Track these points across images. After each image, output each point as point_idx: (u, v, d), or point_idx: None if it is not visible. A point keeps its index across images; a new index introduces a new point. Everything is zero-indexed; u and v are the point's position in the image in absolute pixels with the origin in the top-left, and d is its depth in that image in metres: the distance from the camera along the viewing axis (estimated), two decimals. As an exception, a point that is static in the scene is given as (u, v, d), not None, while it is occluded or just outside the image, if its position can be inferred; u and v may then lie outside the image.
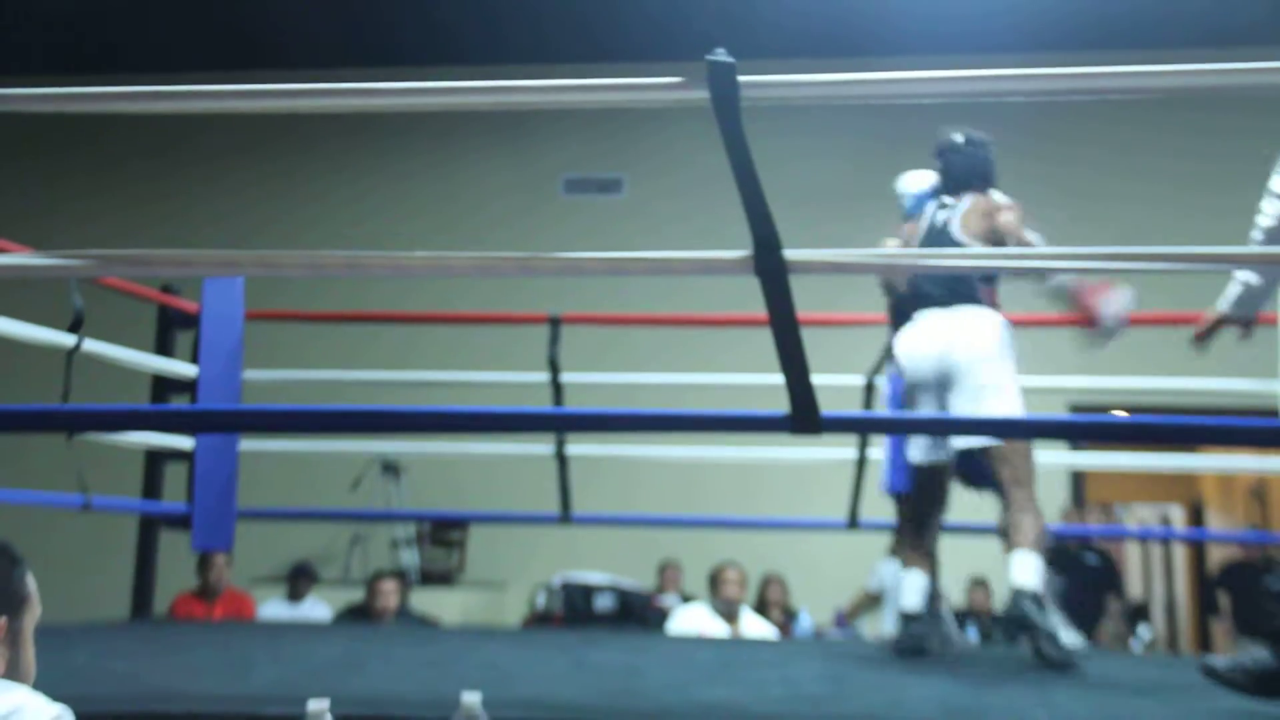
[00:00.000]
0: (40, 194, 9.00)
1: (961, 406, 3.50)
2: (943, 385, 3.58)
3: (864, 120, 8.44)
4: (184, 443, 4.75)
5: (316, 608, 6.76)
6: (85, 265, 2.39)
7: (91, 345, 3.87)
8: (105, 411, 2.91)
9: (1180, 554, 10.96)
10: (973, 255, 2.73)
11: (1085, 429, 3.79)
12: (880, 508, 5.22)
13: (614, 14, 8.11)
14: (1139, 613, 8.87)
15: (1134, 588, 11.26)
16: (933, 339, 3.65)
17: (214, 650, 3.67)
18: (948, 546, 7.36)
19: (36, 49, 8.69)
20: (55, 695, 1.57)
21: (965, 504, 7.17)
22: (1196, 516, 10.86)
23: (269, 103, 2.48)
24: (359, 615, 6.33)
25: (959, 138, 4.03)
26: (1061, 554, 7.14)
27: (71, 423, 3.00)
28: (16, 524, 5.90)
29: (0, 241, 3.51)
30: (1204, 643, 9.99)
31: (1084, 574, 7.10)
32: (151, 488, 4.90)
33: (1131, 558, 11.65)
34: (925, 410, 3.62)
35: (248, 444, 4.95)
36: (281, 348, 6.21)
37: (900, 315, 3.91)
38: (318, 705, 1.67)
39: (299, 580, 6.84)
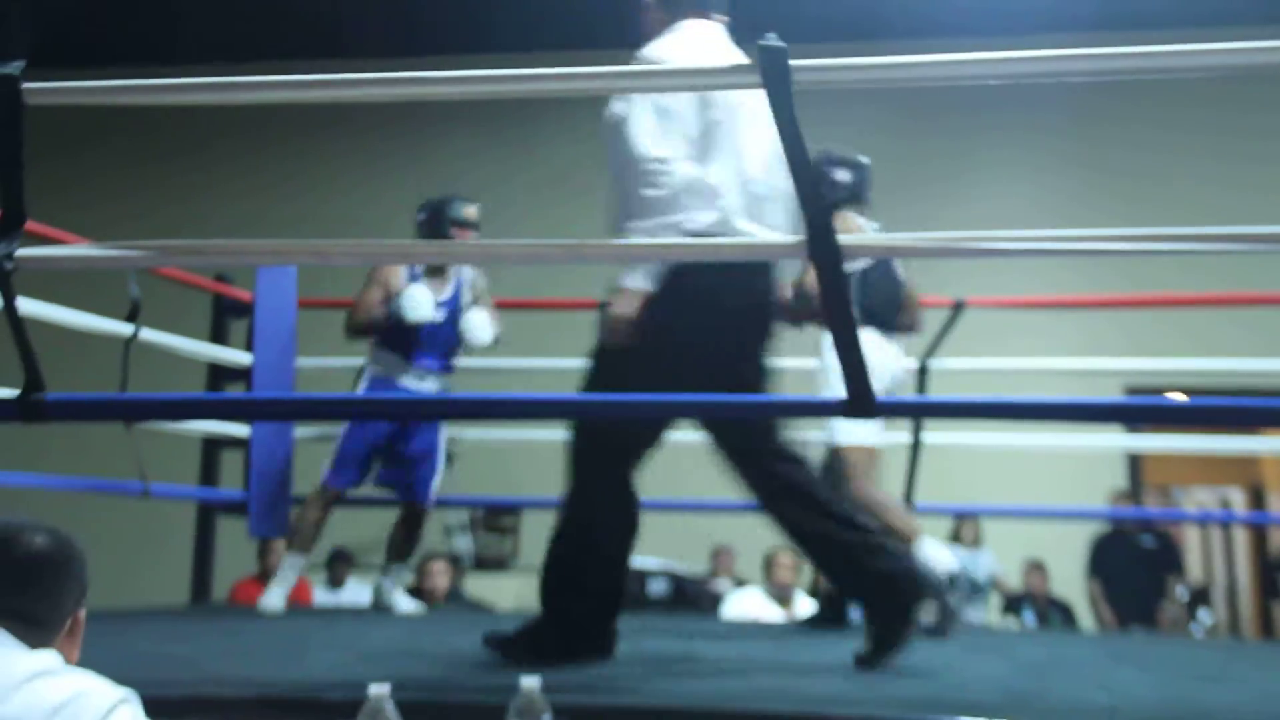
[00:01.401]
0: (84, 187, 9.07)
1: None
2: None
3: (881, 110, 8.37)
4: (240, 430, 4.80)
5: (360, 593, 6.82)
6: (144, 256, 2.41)
7: (148, 334, 3.92)
8: (163, 400, 2.94)
9: (1241, 537, 10.81)
10: (1016, 238, 2.66)
11: (1143, 412, 3.73)
12: (936, 491, 5.19)
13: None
14: (1199, 597, 8.75)
15: (1194, 572, 11.13)
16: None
17: (273, 635, 3.71)
18: (1003, 530, 7.34)
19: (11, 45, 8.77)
20: (118, 680, 1.59)
21: (1020, 487, 7.14)
22: (1257, 499, 10.70)
23: (308, 94, 2.50)
24: (411, 598, 6.38)
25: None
26: (1117, 538, 7.07)
27: (131, 411, 3.03)
28: (77, 511, 5.99)
29: (60, 233, 3.55)
30: (1266, 627, 9.87)
31: (1140, 557, 7.02)
32: (209, 475, 4.96)
33: (1191, 541, 11.50)
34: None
35: (302, 431, 4.99)
36: (332, 335, 6.26)
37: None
38: (379, 690, 1.68)
39: (336, 566, 6.90)
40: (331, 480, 4.48)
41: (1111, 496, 7.14)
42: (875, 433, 3.92)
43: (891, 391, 3.97)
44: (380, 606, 4.67)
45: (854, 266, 3.77)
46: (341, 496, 4.56)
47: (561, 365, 5.24)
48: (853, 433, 3.86)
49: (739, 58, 2.80)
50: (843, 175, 4.11)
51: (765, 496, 2.92)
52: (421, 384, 4.50)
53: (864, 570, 2.77)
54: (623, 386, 2.70)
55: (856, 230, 3.95)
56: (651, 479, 4.72)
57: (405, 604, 4.67)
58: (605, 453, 2.91)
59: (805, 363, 4.46)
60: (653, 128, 2.68)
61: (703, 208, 2.72)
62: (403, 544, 4.67)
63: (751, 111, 2.76)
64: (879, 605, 2.78)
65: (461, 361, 5.70)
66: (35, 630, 1.60)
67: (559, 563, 2.91)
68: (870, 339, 3.93)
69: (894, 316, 4.10)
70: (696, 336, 2.76)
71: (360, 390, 4.51)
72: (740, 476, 2.96)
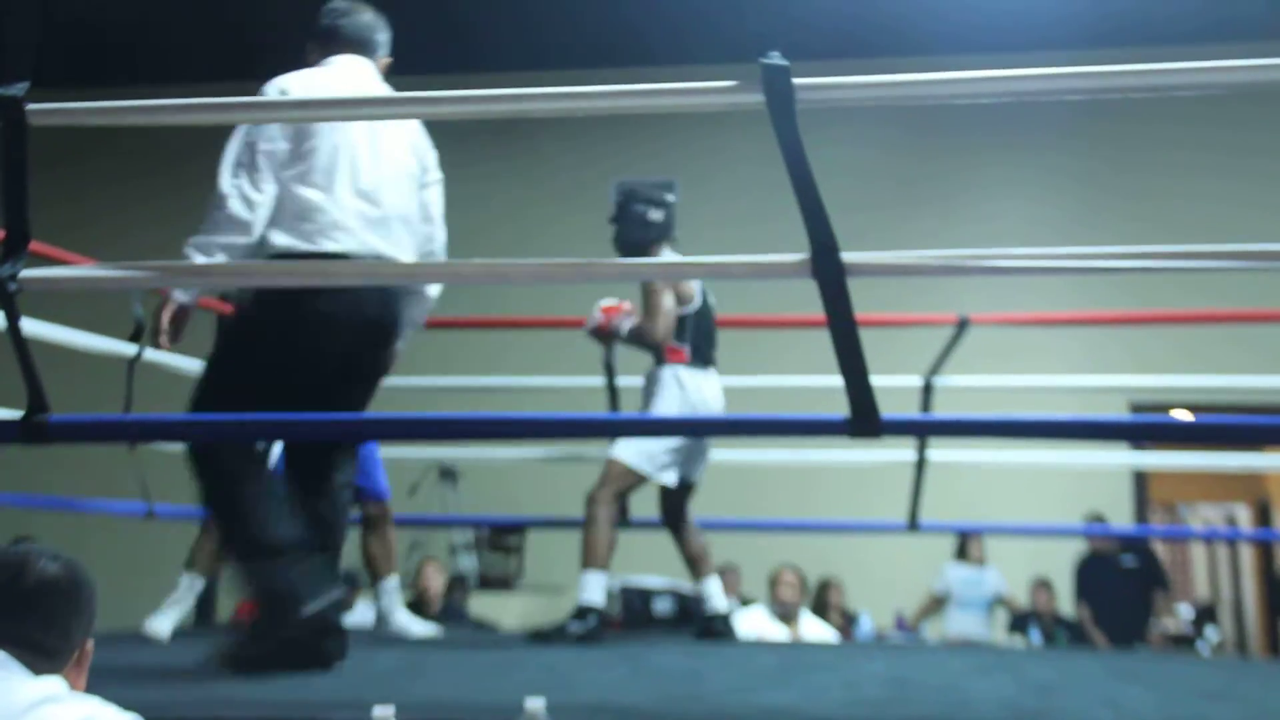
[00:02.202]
0: (85, 203, 9.08)
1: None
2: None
3: (881, 129, 8.38)
4: (245, 450, 4.79)
5: (369, 614, 6.81)
6: (149, 277, 2.42)
7: (152, 354, 3.92)
8: (168, 422, 2.94)
9: (1247, 554, 10.80)
10: (1021, 255, 2.66)
11: (1149, 430, 3.73)
12: (941, 510, 5.18)
13: (630, 18, 8.11)
14: (1206, 614, 8.72)
15: (1200, 589, 11.10)
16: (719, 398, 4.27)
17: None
18: (1009, 547, 7.33)
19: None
20: (123, 701, 1.58)
21: (1027, 506, 7.13)
22: (1263, 516, 10.69)
23: (311, 114, 2.51)
24: (416, 617, 6.38)
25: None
26: (1098, 560, 7.05)
27: (135, 433, 3.03)
28: (81, 532, 5.99)
29: (63, 253, 3.56)
30: (1273, 644, 9.84)
31: (1122, 577, 7.00)
32: (214, 495, 4.94)
33: (1197, 559, 11.48)
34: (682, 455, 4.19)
35: (307, 451, 4.98)
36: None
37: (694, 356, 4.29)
38: (383, 711, 1.68)
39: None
40: None
41: (1086, 518, 7.13)
42: (646, 459, 4.10)
43: None
44: (387, 632, 4.43)
45: (689, 309, 4.20)
46: None
47: (565, 384, 5.25)
48: (625, 449, 4.10)
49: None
50: (655, 215, 4.28)
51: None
52: None
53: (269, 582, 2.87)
54: (240, 393, 2.87)
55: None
56: (656, 498, 4.72)
57: (416, 626, 4.47)
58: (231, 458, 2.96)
59: (808, 380, 4.47)
60: (238, 157, 2.88)
61: (293, 226, 2.88)
62: (385, 555, 4.46)
63: (371, 137, 2.98)
64: (265, 618, 2.88)
65: (461, 381, 5.71)
66: (43, 659, 1.59)
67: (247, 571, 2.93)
68: (698, 375, 4.23)
69: (712, 350, 4.35)
70: (297, 344, 2.90)
71: None
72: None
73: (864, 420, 2.24)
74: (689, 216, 8.72)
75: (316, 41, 3.22)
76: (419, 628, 4.43)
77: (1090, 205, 8.22)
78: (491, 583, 7.70)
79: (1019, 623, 7.14)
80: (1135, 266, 2.44)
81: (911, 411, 4.44)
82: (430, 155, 3.23)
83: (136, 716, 1.56)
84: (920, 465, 4.72)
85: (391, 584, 4.44)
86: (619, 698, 2.67)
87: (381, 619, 4.45)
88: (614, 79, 2.28)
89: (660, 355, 4.21)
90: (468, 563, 7.70)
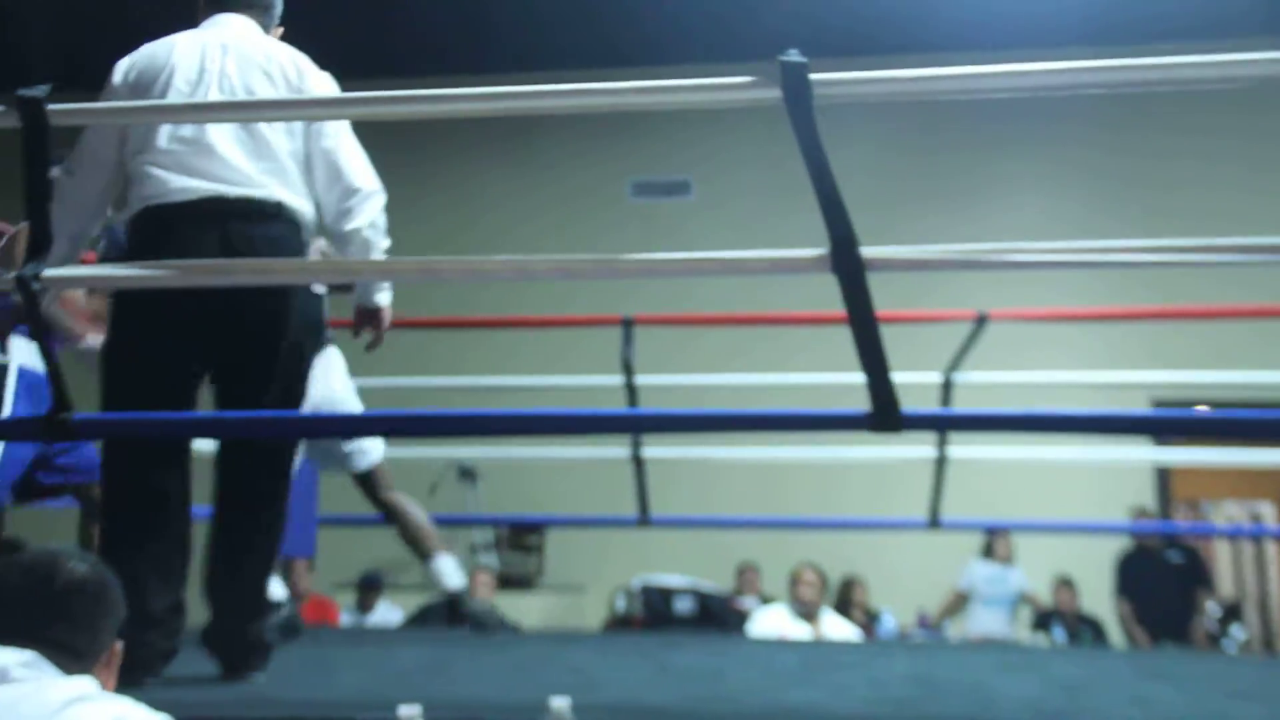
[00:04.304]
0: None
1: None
2: None
3: (898, 126, 8.36)
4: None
5: (390, 614, 6.83)
6: (168, 276, 2.42)
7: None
8: (190, 420, 2.94)
9: (1273, 551, 10.71)
10: (1041, 250, 2.64)
11: (1172, 424, 3.71)
12: (962, 507, 5.15)
13: (644, 20, 8.11)
14: (1231, 612, 8.65)
15: (1226, 587, 11.03)
16: None
17: (302, 656, 3.71)
18: (1031, 544, 7.30)
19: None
20: (149, 703, 1.59)
21: (1049, 503, 7.09)
22: (1288, 513, 10.61)
23: (315, 113, 2.51)
24: (433, 615, 6.42)
25: None
26: (1143, 555, 7.02)
27: (159, 431, 3.04)
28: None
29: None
30: (1298, 641, 9.78)
31: (1168, 573, 6.96)
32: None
33: (1222, 556, 11.41)
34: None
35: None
36: (351, 353, 6.23)
37: None
38: (409, 710, 1.68)
39: (366, 592, 6.90)
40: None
41: (1133, 514, 7.08)
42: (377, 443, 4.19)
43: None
44: None
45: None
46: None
47: (582, 383, 5.25)
48: (377, 450, 4.17)
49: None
50: None
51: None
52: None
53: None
54: None
55: None
56: (676, 496, 4.73)
57: None
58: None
59: (828, 378, 4.45)
60: None
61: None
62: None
63: (198, 84, 2.73)
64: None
65: (477, 381, 5.69)
66: (74, 659, 1.60)
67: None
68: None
69: None
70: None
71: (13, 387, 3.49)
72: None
73: (885, 415, 2.23)
74: (701, 216, 8.74)
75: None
76: None
77: (1109, 199, 8.18)
78: (512, 582, 7.70)
79: (1042, 621, 7.11)
80: (1156, 260, 2.43)
81: (931, 407, 4.43)
82: (308, 79, 2.81)
83: (167, 716, 1.57)
84: (941, 462, 4.70)
85: None
86: (643, 697, 2.67)
87: None
88: (629, 79, 2.28)
89: None
90: (488, 562, 7.70)
